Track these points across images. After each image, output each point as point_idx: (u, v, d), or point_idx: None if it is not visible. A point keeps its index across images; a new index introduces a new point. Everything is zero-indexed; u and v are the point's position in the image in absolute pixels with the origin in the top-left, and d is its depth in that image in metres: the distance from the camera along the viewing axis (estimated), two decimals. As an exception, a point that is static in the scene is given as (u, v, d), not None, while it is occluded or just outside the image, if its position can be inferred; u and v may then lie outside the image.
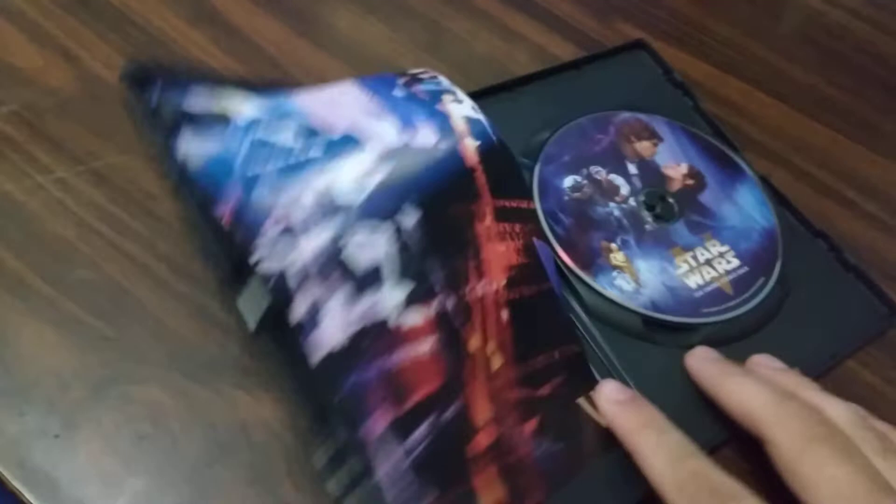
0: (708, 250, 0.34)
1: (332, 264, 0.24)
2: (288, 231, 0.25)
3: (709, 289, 0.33)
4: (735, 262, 0.34)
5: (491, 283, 0.27)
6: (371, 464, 0.22)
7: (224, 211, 0.25)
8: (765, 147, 0.42)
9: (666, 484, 0.23)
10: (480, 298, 0.26)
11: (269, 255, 0.24)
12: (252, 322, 0.25)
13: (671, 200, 0.35)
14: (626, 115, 0.38)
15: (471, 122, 0.32)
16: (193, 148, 0.26)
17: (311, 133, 0.28)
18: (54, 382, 0.27)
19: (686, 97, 0.41)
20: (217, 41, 0.39)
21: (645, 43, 0.43)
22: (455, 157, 0.30)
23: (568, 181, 0.35)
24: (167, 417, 0.27)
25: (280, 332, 0.24)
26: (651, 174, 0.36)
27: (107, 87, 0.36)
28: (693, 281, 0.33)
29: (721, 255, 0.34)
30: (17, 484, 0.25)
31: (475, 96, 0.37)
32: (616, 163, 0.36)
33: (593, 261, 0.32)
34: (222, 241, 0.25)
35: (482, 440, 0.24)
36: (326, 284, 0.24)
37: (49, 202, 0.32)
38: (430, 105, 0.32)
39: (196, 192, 0.25)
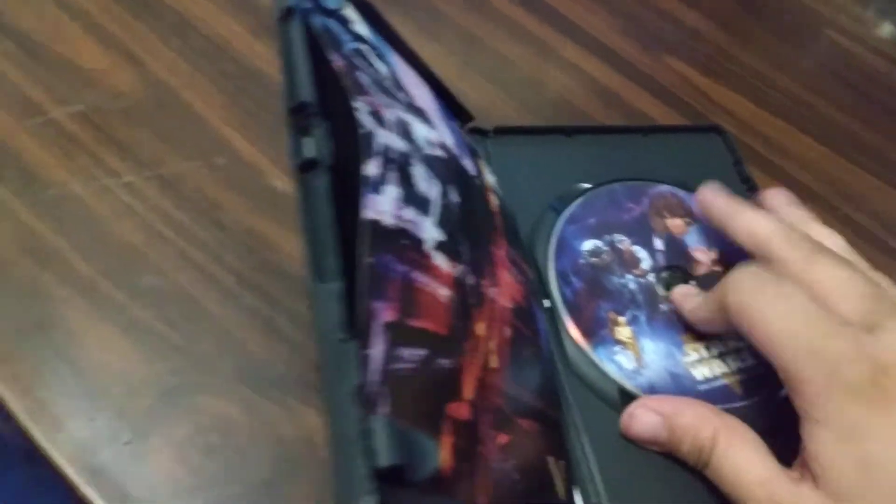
0: (723, 343, 0.32)
1: (402, 165, 0.24)
2: (378, 115, 0.25)
3: (716, 384, 0.30)
4: (750, 361, 0.31)
5: (501, 296, 0.27)
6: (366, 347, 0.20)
7: (336, 61, 0.25)
8: (808, 188, 0.43)
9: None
10: (492, 300, 0.26)
11: (365, 114, 0.24)
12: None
13: (693, 284, 0.33)
14: (663, 188, 0.37)
15: (494, 189, 0.33)
16: (319, 14, 0.27)
17: (398, 84, 0.29)
18: (124, 389, 0.27)
19: (750, 192, 0.39)
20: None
21: (722, 129, 0.41)
22: (484, 195, 0.31)
23: (588, 244, 0.33)
24: (235, 430, 0.27)
25: (346, 169, 0.23)
26: (677, 253, 0.34)
27: (171, 94, 0.36)
28: (700, 372, 0.31)
29: (737, 350, 0.31)
30: (87, 490, 0.25)
31: (532, 132, 0.38)
32: (642, 235, 0.34)
33: (597, 331, 0.31)
34: (327, 76, 0.25)
35: (462, 410, 0.22)
36: (394, 175, 0.24)
37: (117, 206, 0.32)
38: (473, 154, 0.33)
39: (311, 34, 0.26)
